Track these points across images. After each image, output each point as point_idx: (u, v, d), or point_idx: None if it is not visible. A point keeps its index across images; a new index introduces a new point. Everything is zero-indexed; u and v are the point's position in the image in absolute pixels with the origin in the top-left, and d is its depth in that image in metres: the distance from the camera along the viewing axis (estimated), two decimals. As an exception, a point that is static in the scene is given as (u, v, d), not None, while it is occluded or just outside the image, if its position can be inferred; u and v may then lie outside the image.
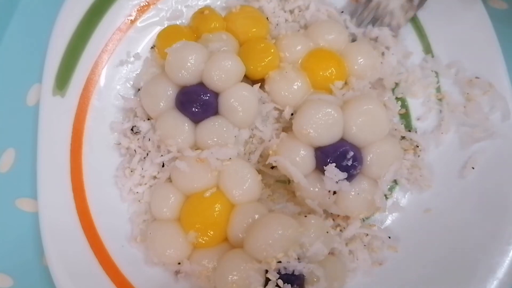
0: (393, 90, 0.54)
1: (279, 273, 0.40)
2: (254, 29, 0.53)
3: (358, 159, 0.45)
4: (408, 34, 0.55)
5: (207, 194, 0.46)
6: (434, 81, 0.53)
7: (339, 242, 0.46)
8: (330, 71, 0.50)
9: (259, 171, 0.48)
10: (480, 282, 0.44)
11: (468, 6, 0.53)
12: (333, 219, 0.48)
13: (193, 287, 0.46)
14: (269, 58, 0.51)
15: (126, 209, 0.50)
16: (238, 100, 0.47)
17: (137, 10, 0.55)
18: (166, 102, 0.49)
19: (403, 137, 0.52)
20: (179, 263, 0.46)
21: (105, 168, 0.51)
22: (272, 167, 0.50)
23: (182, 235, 0.45)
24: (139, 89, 0.53)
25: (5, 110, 0.54)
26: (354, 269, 0.47)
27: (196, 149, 0.47)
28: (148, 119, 0.51)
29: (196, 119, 0.48)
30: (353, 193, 0.45)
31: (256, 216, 0.44)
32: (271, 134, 0.50)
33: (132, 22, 0.55)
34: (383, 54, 0.54)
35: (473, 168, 0.49)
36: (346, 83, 0.51)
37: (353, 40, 0.56)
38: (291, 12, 0.57)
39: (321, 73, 0.50)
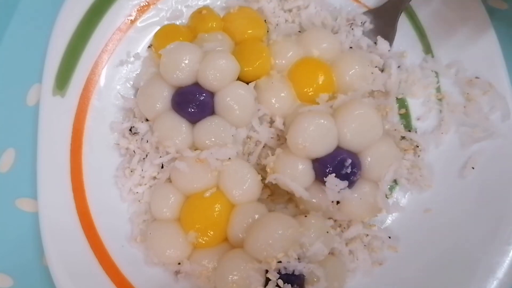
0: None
1: (279, 273, 0.40)
2: (250, 30, 0.53)
3: (356, 165, 0.44)
4: (408, 34, 0.55)
5: (207, 194, 0.46)
6: (434, 81, 0.54)
7: (339, 242, 0.46)
8: (314, 85, 0.49)
9: (259, 172, 0.48)
10: (480, 282, 0.44)
11: (468, 6, 0.53)
12: (334, 220, 0.48)
13: (193, 287, 0.46)
14: (259, 61, 0.50)
15: (126, 209, 0.50)
16: (234, 98, 0.47)
17: (137, 10, 0.55)
18: (162, 104, 0.49)
19: (403, 137, 0.52)
20: (179, 263, 0.46)
21: (105, 168, 0.51)
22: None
23: (182, 235, 0.45)
24: (138, 89, 0.53)
25: (5, 110, 0.54)
26: (354, 269, 0.47)
27: (194, 150, 0.47)
28: (147, 120, 0.51)
29: (193, 120, 0.48)
30: (355, 199, 0.45)
31: (256, 216, 0.44)
32: (268, 136, 0.50)
33: (132, 22, 0.55)
34: (379, 68, 0.53)
35: (473, 168, 0.49)
36: (333, 96, 0.50)
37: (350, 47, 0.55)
38: (290, 11, 0.57)
39: (305, 89, 0.49)
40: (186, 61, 0.47)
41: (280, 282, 0.40)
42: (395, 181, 0.51)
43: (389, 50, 0.54)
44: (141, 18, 0.55)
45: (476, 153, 0.50)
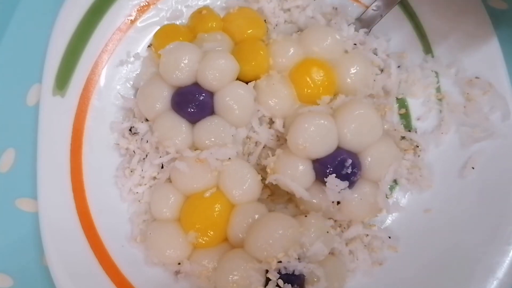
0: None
1: (279, 273, 0.40)
2: (250, 30, 0.53)
3: (357, 165, 0.44)
4: (408, 34, 0.55)
5: (207, 194, 0.46)
6: (434, 81, 0.53)
7: (339, 242, 0.46)
8: (316, 87, 0.49)
9: (259, 172, 0.48)
10: (480, 282, 0.44)
11: (468, 6, 0.53)
12: (335, 220, 0.48)
13: (193, 287, 0.46)
14: (257, 60, 0.50)
15: (126, 209, 0.50)
16: (234, 98, 0.47)
17: (137, 10, 0.55)
18: (162, 104, 0.49)
19: (403, 137, 0.52)
20: (179, 263, 0.46)
21: (105, 168, 0.51)
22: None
23: (182, 235, 0.45)
24: (138, 89, 0.53)
25: (5, 110, 0.54)
26: (354, 269, 0.47)
27: (194, 150, 0.47)
28: (147, 120, 0.51)
29: (193, 120, 0.48)
30: (356, 199, 0.45)
31: (256, 216, 0.44)
32: (268, 137, 0.50)
33: (132, 22, 0.55)
34: (379, 68, 0.54)
35: (473, 168, 0.49)
36: (334, 98, 0.49)
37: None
38: (289, 10, 0.57)
39: (306, 90, 0.49)
40: (186, 61, 0.47)
41: (280, 282, 0.40)
42: (395, 181, 0.51)
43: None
44: (141, 18, 0.55)
45: (476, 153, 0.50)
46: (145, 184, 0.50)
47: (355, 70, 0.50)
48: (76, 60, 0.51)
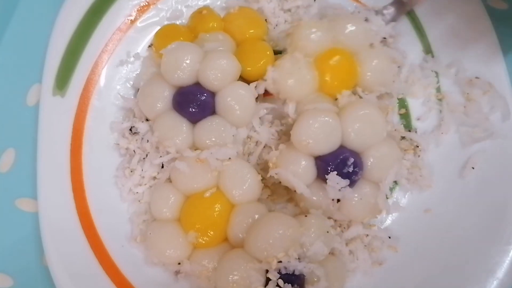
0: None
1: (279, 272, 0.40)
2: (252, 30, 0.53)
3: (358, 164, 0.44)
4: (408, 34, 0.55)
5: (207, 194, 0.46)
6: (434, 81, 0.53)
7: (339, 242, 0.46)
8: (341, 80, 0.49)
9: (259, 172, 0.48)
10: (480, 282, 0.44)
11: (468, 7, 0.53)
12: (335, 220, 0.48)
13: (193, 287, 0.46)
14: (264, 60, 0.50)
15: (126, 209, 0.50)
16: (235, 98, 0.47)
17: (137, 10, 0.55)
18: (163, 103, 0.49)
19: (403, 137, 0.52)
20: (179, 263, 0.46)
21: (105, 168, 0.51)
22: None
23: (182, 235, 0.45)
24: (139, 89, 0.53)
25: (5, 110, 0.54)
26: (354, 269, 0.47)
27: (195, 150, 0.47)
28: (147, 120, 0.51)
29: (194, 120, 0.48)
30: (356, 199, 0.45)
31: (256, 216, 0.44)
32: (268, 137, 0.50)
33: (132, 22, 0.55)
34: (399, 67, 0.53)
35: (473, 168, 0.49)
36: (352, 93, 0.49)
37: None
38: (289, 10, 0.57)
39: (332, 81, 0.49)
40: (187, 61, 0.47)
41: (281, 282, 0.40)
42: (395, 181, 0.50)
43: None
44: (141, 18, 0.55)
45: (476, 153, 0.50)
46: (145, 184, 0.50)
47: (377, 67, 0.50)
48: (76, 60, 0.51)
